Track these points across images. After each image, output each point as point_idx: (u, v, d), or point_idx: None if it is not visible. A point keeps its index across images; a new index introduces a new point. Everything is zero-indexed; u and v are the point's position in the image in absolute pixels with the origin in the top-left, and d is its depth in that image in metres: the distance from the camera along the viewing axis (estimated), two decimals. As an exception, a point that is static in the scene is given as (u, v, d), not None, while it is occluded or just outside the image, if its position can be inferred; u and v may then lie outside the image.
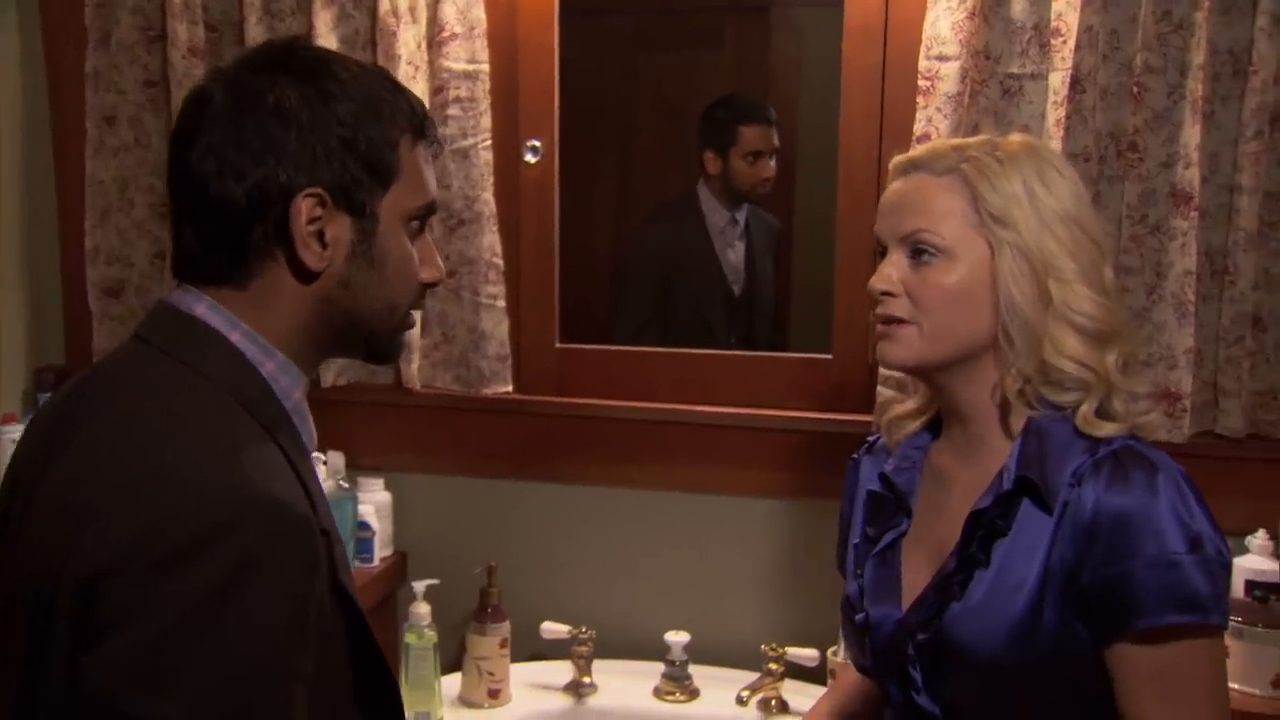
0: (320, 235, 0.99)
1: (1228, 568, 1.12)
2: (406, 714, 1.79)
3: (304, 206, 0.98)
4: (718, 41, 2.68)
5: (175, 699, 0.83)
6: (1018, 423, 1.19)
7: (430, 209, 1.07)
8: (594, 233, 2.54)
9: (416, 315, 2.04)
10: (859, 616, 1.27)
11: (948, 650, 1.18)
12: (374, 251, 1.02)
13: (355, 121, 0.99)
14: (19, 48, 2.12)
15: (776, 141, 2.37)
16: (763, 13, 2.65)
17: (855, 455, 1.41)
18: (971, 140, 1.24)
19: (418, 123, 1.04)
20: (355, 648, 1.01)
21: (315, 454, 2.06)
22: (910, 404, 1.33)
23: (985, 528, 1.17)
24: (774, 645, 1.89)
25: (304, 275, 1.00)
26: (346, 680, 1.02)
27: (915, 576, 1.24)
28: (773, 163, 2.37)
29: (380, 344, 1.07)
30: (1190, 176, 1.76)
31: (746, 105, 2.42)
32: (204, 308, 1.00)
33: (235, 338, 1.00)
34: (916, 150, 1.25)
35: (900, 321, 1.20)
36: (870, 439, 1.40)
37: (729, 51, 2.69)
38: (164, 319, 1.02)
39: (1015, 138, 1.24)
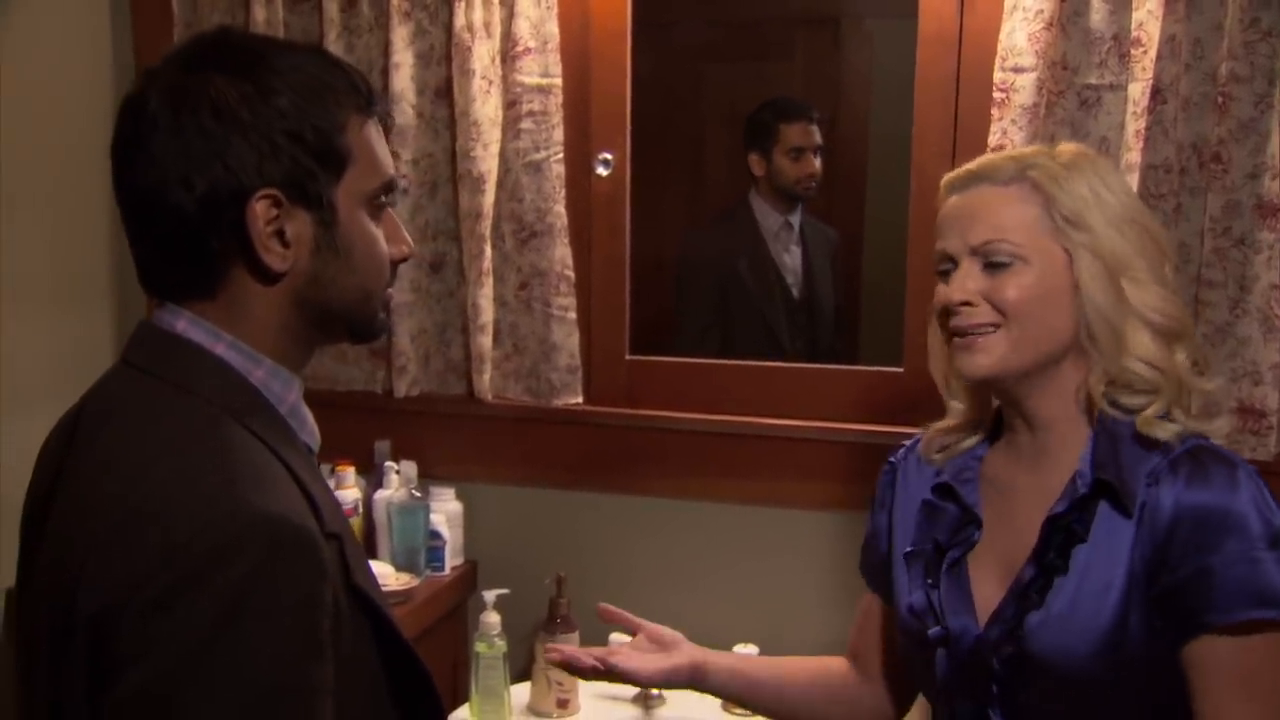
0: (280, 235, 0.95)
1: None
2: None
3: (259, 209, 0.94)
4: (789, 53, 2.68)
5: None
6: (1086, 429, 1.19)
7: (389, 186, 1.03)
8: (665, 245, 2.55)
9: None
10: (934, 630, 1.23)
11: (1030, 663, 1.16)
12: (338, 242, 0.98)
13: (299, 112, 0.95)
14: (113, 66, 2.18)
15: (819, 139, 2.37)
16: (833, 24, 2.64)
17: (892, 460, 1.39)
18: (1026, 150, 1.24)
19: (363, 100, 1.00)
20: (384, 647, 1.00)
21: (388, 464, 2.13)
22: (951, 420, 1.31)
23: (1063, 533, 1.16)
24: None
25: (269, 278, 0.97)
26: (380, 681, 1.00)
27: (986, 591, 1.22)
28: (818, 161, 2.38)
29: (362, 327, 1.05)
30: (1277, 187, 1.72)
31: (787, 104, 2.43)
32: (184, 323, 0.97)
33: (220, 349, 0.97)
34: (970, 164, 1.24)
35: (985, 330, 1.18)
36: (906, 444, 1.38)
37: (800, 63, 2.68)
38: (147, 340, 0.99)
39: (1067, 146, 1.24)
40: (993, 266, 1.18)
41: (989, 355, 1.18)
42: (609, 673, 1.32)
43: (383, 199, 1.02)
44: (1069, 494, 1.16)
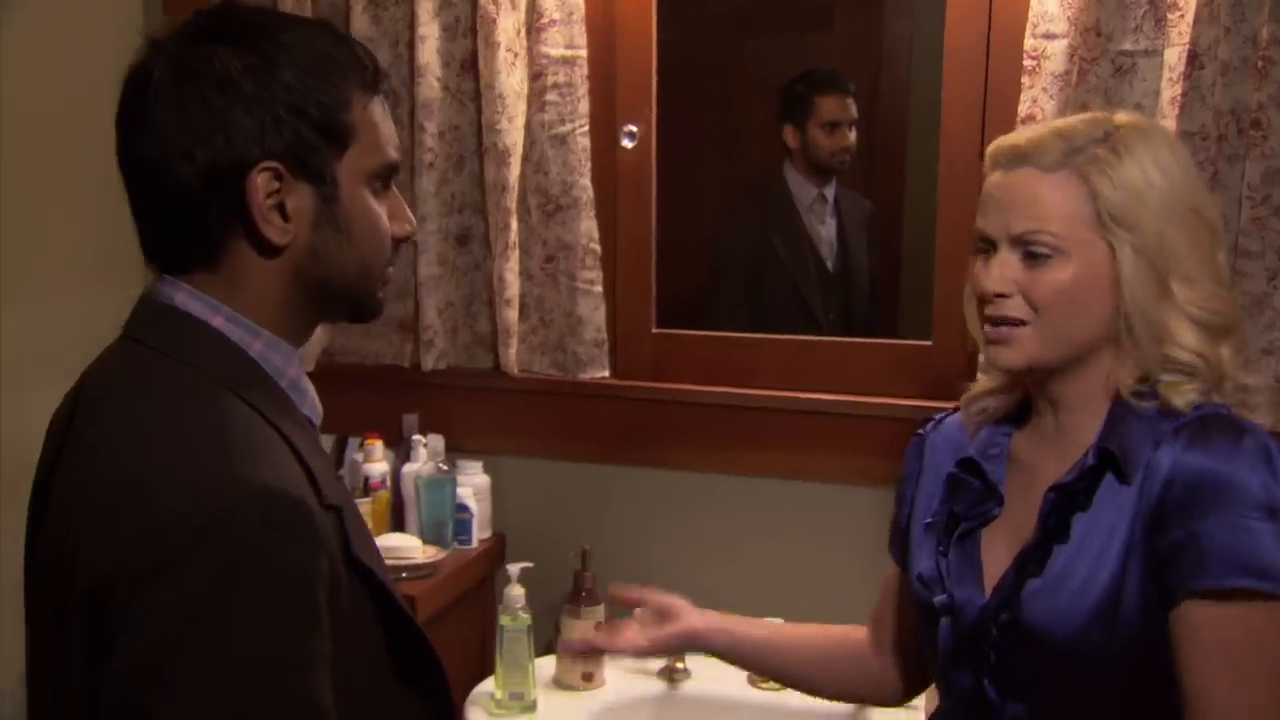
0: (281, 208, 0.96)
1: None
2: (499, 694, 1.87)
3: (260, 181, 0.95)
4: (828, 23, 2.66)
5: (187, 699, 0.84)
6: (1106, 410, 1.19)
7: (392, 167, 1.04)
8: (694, 218, 2.56)
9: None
10: (940, 598, 1.25)
11: (1025, 632, 1.16)
12: (339, 217, 0.99)
13: (303, 86, 0.96)
14: (142, 40, 2.22)
15: (854, 112, 2.38)
16: None
17: (921, 432, 1.38)
18: (1077, 124, 1.18)
19: (369, 78, 1.01)
20: (385, 619, 1.02)
21: (416, 437, 2.15)
22: (993, 383, 1.30)
23: (1065, 502, 1.16)
24: (869, 635, 1.89)
25: (269, 250, 0.98)
26: (381, 652, 1.02)
27: (995, 563, 1.23)
28: (852, 134, 2.38)
29: (361, 305, 1.06)
30: None
31: (823, 75, 2.43)
32: (184, 296, 0.99)
33: (218, 322, 0.98)
34: (1018, 137, 1.19)
35: (1017, 323, 1.17)
36: (937, 417, 1.38)
37: (840, 32, 2.66)
38: (146, 313, 1.01)
39: (1123, 118, 1.19)
40: (1031, 258, 1.16)
41: (1020, 351, 1.17)
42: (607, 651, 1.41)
43: (384, 179, 1.03)
44: (1078, 466, 1.17)
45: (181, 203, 0.96)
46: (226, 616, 0.85)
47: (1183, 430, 1.12)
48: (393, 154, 1.03)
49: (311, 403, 1.06)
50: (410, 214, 1.07)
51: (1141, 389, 1.16)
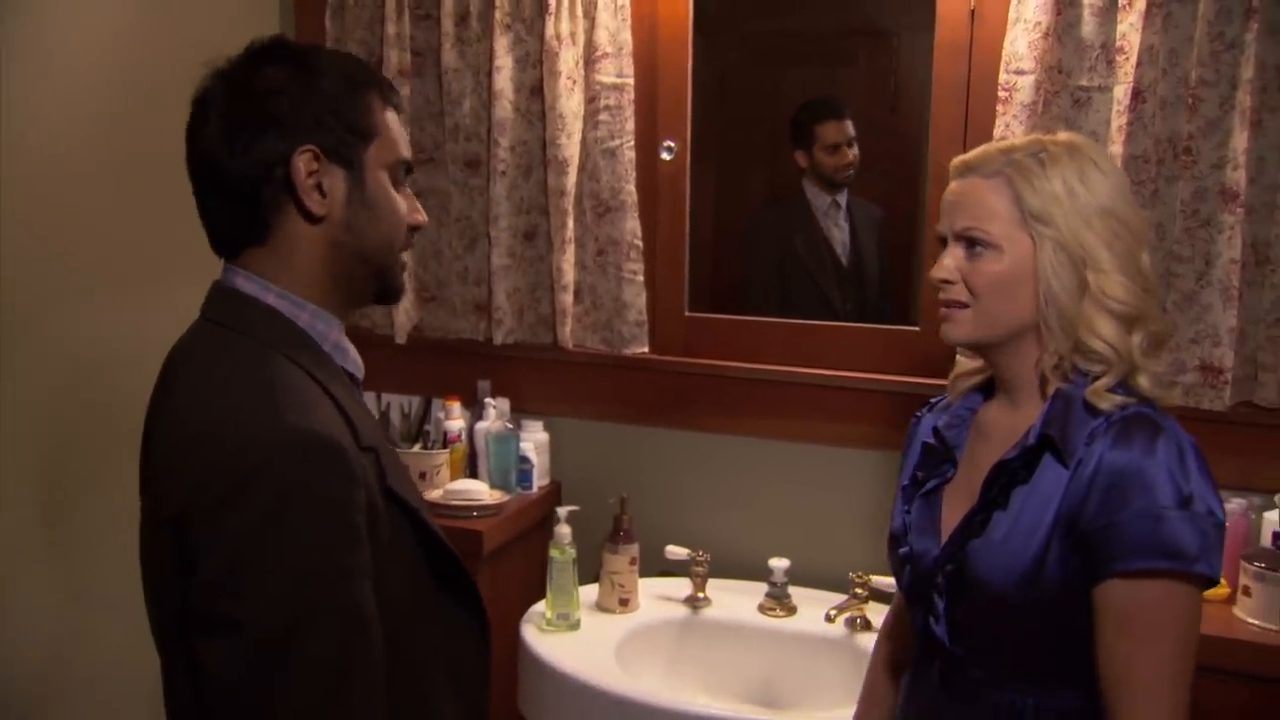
0: (319, 187, 1.11)
1: (1219, 527, 1.20)
2: (549, 614, 2.19)
3: (301, 162, 1.09)
4: (853, 59, 2.89)
5: (253, 602, 0.98)
6: (1051, 390, 1.31)
7: (405, 165, 1.19)
8: (725, 219, 2.79)
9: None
10: (903, 549, 1.39)
11: (966, 581, 1.29)
12: (366, 195, 1.14)
13: (336, 91, 1.12)
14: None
15: (852, 131, 2.56)
16: (891, 38, 2.84)
17: (918, 414, 1.52)
18: (1020, 142, 1.32)
19: (385, 92, 1.17)
20: (423, 541, 1.16)
21: (487, 399, 2.51)
22: (973, 364, 1.45)
23: (1008, 476, 1.28)
24: (860, 573, 2.16)
25: (311, 219, 1.12)
26: (418, 562, 1.16)
27: (952, 518, 1.35)
28: (853, 150, 2.57)
29: (385, 281, 1.19)
30: (1238, 177, 1.95)
31: (820, 105, 2.60)
32: (242, 279, 1.13)
33: (270, 299, 1.12)
34: (970, 154, 1.34)
35: (959, 305, 1.31)
36: (933, 400, 1.52)
37: (861, 67, 2.89)
38: (215, 297, 1.16)
39: (1062, 137, 1.32)
40: (972, 250, 1.29)
41: (958, 328, 1.32)
42: None
43: (402, 173, 1.19)
44: (1020, 444, 1.28)
45: (240, 186, 1.11)
46: (277, 538, 0.98)
47: (1110, 428, 1.23)
48: (405, 152, 1.19)
49: (354, 361, 1.20)
50: (421, 208, 1.22)
51: (1065, 370, 1.28)
